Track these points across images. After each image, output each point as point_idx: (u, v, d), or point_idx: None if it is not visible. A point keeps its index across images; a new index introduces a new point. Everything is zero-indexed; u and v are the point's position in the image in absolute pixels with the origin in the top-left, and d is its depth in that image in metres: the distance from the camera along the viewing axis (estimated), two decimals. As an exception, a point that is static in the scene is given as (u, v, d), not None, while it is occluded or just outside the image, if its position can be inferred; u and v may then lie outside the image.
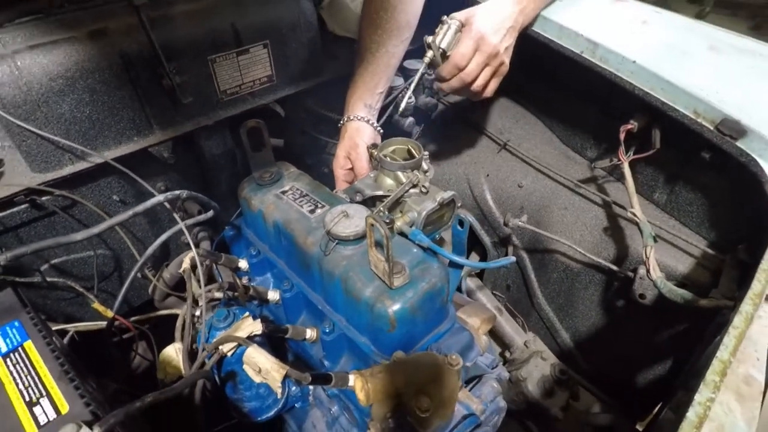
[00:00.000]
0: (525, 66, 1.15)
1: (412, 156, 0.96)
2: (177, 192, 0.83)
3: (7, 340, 0.57)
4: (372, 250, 0.72)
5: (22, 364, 0.55)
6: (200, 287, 0.84)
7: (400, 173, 0.92)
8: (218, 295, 0.91)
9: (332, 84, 1.17)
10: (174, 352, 0.83)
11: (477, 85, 0.99)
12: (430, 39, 0.95)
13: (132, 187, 0.97)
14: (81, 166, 0.86)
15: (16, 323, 0.59)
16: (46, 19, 0.82)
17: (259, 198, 0.94)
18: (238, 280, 0.93)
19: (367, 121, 1.08)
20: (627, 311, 1.04)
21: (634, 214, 0.93)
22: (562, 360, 1.19)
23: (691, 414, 0.49)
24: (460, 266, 0.90)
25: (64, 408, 0.52)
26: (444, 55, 0.97)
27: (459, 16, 0.95)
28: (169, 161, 0.97)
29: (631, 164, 1.05)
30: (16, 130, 0.79)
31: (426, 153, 0.96)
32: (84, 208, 0.91)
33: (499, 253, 1.29)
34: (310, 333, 0.86)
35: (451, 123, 1.42)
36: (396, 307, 0.71)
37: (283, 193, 0.94)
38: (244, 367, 0.75)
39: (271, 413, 0.84)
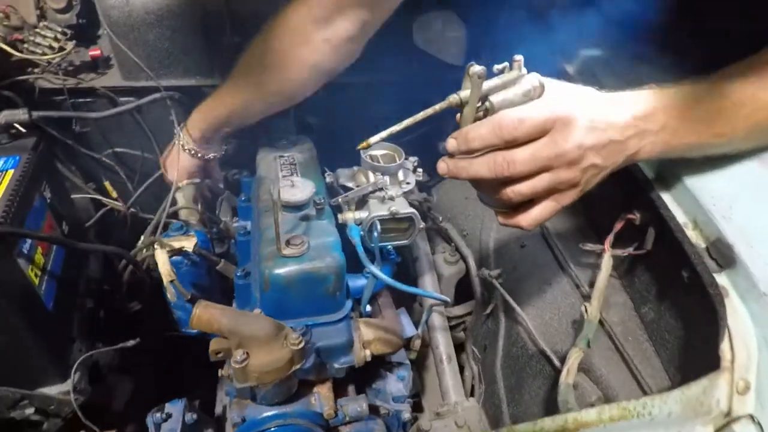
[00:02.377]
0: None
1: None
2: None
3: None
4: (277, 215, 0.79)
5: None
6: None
7: (371, 173, 0.96)
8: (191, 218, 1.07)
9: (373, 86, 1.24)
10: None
11: (518, 190, 0.63)
12: (477, 70, 0.59)
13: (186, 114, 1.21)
14: (149, 83, 1.11)
15: (17, 158, 0.82)
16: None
17: (262, 155, 1.08)
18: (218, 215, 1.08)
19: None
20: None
21: (586, 309, 0.82)
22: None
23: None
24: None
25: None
26: (485, 111, 0.63)
27: (543, 78, 0.63)
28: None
29: (632, 265, 0.92)
30: (115, 43, 1.06)
31: (411, 164, 0.99)
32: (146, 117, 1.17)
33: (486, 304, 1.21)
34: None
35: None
36: (273, 270, 0.77)
37: (281, 157, 1.07)
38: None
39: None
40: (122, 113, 1.07)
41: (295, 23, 0.86)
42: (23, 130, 0.93)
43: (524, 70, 0.62)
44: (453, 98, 0.62)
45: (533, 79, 0.62)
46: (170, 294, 0.84)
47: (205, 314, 0.70)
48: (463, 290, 1.32)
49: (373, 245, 0.95)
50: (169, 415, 0.90)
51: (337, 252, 0.81)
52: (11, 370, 0.77)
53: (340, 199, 0.93)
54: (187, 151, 1.02)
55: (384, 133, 0.66)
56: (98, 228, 1.19)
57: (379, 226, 0.86)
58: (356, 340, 0.84)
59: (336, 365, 0.83)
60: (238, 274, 0.90)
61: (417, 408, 1.25)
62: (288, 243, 0.79)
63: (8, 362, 0.75)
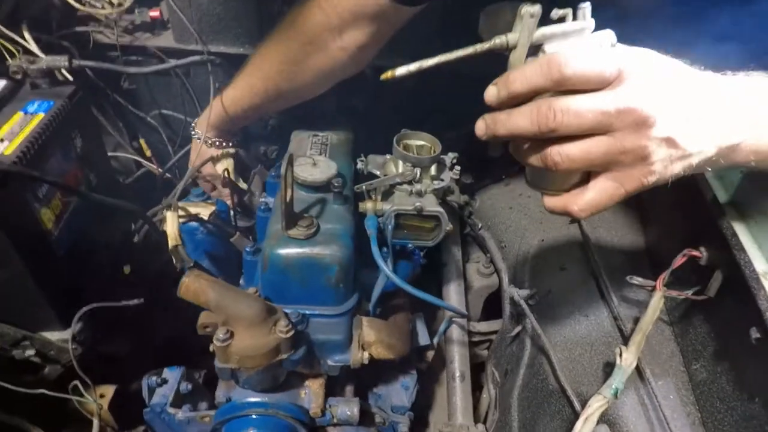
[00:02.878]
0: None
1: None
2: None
3: (33, 106, 0.81)
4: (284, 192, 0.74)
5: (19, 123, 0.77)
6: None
7: (401, 163, 0.89)
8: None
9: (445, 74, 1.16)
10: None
11: (566, 152, 0.48)
12: (530, 9, 0.49)
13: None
14: (198, 47, 1.10)
15: (51, 103, 0.83)
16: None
17: (297, 133, 1.04)
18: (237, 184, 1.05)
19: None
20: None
21: (620, 353, 0.70)
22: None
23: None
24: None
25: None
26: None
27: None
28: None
29: (689, 311, 0.79)
30: (169, 4, 1.06)
31: (449, 160, 0.91)
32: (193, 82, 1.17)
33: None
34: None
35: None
36: (273, 249, 0.72)
37: (314, 136, 1.02)
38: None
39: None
40: (160, 72, 1.07)
41: (311, 30, 0.85)
42: (69, 78, 0.94)
43: (591, 21, 0.50)
44: (499, 40, 0.51)
45: (606, 35, 0.50)
46: (175, 259, 0.82)
47: (194, 284, 0.66)
48: (494, 306, 1.22)
49: (395, 240, 0.88)
50: (165, 381, 0.88)
51: (345, 241, 0.74)
52: (16, 309, 0.78)
53: (364, 186, 0.87)
54: (204, 142, 1.02)
55: (413, 66, 0.56)
56: (138, 189, 1.21)
57: (392, 221, 0.78)
58: (355, 340, 0.78)
59: (330, 362, 0.78)
60: (247, 250, 0.86)
61: (423, 422, 1.17)
62: (296, 223, 0.74)
63: (13, 301, 0.76)
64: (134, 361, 0.98)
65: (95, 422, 0.84)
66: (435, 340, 1.06)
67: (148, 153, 1.18)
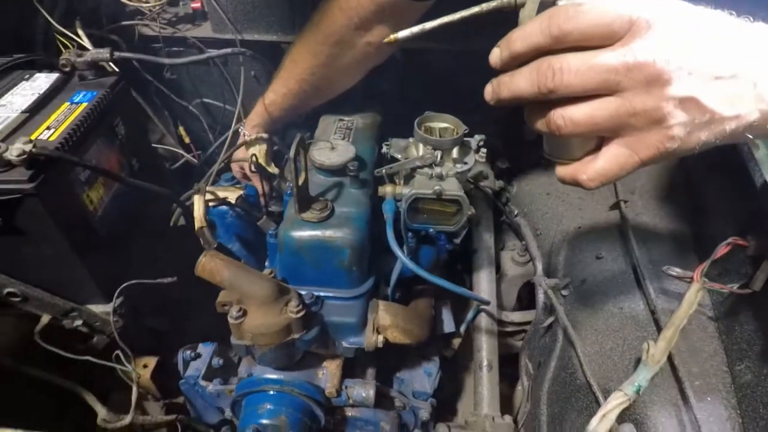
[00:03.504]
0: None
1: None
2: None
3: (79, 96, 0.87)
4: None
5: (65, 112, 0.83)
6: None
7: (421, 146, 0.87)
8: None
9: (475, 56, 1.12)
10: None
11: (569, 115, 0.44)
12: None
13: (266, 71, 1.22)
14: (234, 36, 1.13)
15: (94, 93, 0.89)
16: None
17: (325, 117, 1.05)
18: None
19: None
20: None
21: (648, 348, 0.65)
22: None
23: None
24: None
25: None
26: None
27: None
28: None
29: (736, 307, 0.71)
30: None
31: (474, 143, 0.88)
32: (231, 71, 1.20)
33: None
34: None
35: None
36: (287, 231, 0.74)
37: (340, 120, 1.02)
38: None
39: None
40: (196, 62, 1.11)
41: (336, 31, 0.87)
42: (115, 69, 1.01)
43: None
44: None
45: None
46: (202, 240, 0.86)
47: (210, 264, 0.69)
48: (531, 296, 1.17)
49: (415, 225, 0.87)
50: (198, 355, 0.93)
51: (358, 225, 0.74)
52: (64, 283, 0.85)
53: (384, 170, 0.86)
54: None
55: (416, 29, 0.54)
56: (181, 174, 1.28)
57: (405, 204, 0.77)
58: (370, 323, 0.78)
59: (345, 344, 0.78)
60: (270, 232, 0.88)
61: (451, 410, 1.15)
62: (310, 206, 0.75)
63: (60, 275, 0.83)
64: (176, 337, 1.04)
65: (134, 388, 0.90)
66: (462, 328, 1.04)
67: (187, 140, 1.24)
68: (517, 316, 1.16)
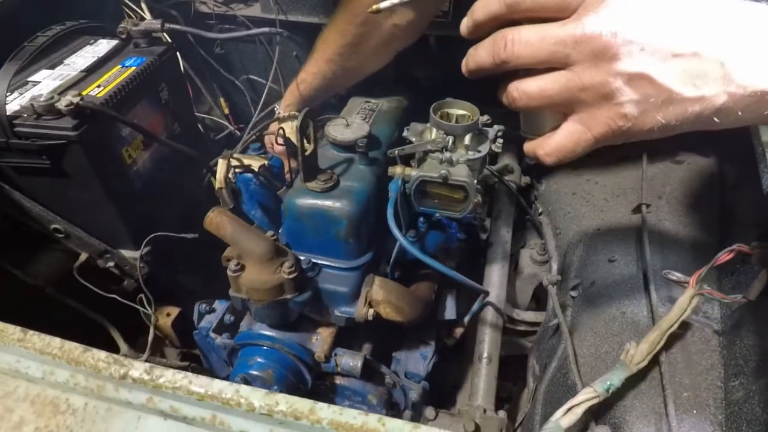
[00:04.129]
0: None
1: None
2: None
3: (130, 61, 0.96)
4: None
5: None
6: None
7: (434, 130, 0.88)
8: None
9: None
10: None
11: (522, 88, 0.45)
12: None
13: (307, 51, 1.27)
14: (279, 17, 1.19)
15: (143, 59, 0.97)
16: None
17: (353, 98, 1.09)
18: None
19: None
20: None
21: (627, 350, 0.63)
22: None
23: None
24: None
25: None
26: None
27: None
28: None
29: (742, 320, 0.67)
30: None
31: (492, 133, 0.88)
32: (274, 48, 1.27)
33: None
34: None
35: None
36: (291, 197, 0.78)
37: (367, 102, 1.05)
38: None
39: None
40: (236, 39, 1.18)
41: (362, 10, 0.88)
42: (168, 39, 1.10)
43: None
44: None
45: None
46: (220, 200, 0.92)
47: (216, 219, 0.75)
48: (546, 296, 1.15)
49: (422, 208, 0.89)
50: (213, 309, 1.00)
51: (358, 198, 0.77)
52: (100, 226, 0.95)
53: (396, 151, 0.88)
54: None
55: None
56: (224, 144, 1.37)
57: (412, 186, 0.79)
58: (362, 295, 0.81)
59: (337, 312, 0.82)
60: (285, 201, 0.93)
61: (450, 401, 1.16)
62: (315, 177, 0.78)
63: (97, 218, 0.93)
64: (206, 296, 1.13)
65: (151, 330, 0.99)
66: (466, 319, 1.04)
67: (226, 111, 1.32)
68: (529, 316, 1.14)
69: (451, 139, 0.85)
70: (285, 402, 0.41)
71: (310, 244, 0.81)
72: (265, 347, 0.81)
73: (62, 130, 0.79)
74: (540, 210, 1.20)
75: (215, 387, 0.42)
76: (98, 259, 0.99)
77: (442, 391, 1.18)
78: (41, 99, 0.79)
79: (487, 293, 0.95)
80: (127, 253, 0.99)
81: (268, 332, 0.82)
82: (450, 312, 1.01)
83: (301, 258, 0.80)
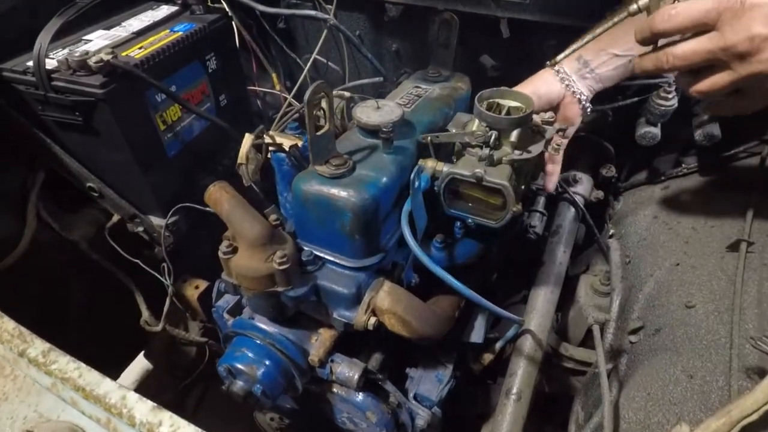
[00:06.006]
0: None
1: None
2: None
3: (180, 26, 0.95)
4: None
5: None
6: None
7: (476, 122, 0.74)
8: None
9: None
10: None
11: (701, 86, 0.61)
12: None
13: (369, 30, 1.18)
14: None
15: (192, 25, 0.95)
16: None
17: (405, 81, 0.98)
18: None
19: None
20: None
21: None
22: None
23: None
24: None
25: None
26: None
27: None
28: (394, 19, 1.11)
29: None
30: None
31: (551, 132, 0.73)
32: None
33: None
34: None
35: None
36: (297, 181, 0.70)
37: (416, 87, 0.94)
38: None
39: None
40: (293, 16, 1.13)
41: None
42: (228, 11, 1.07)
43: None
44: (631, 8, 0.64)
45: None
46: (242, 177, 0.87)
47: (215, 194, 0.69)
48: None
49: (452, 211, 0.76)
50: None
51: (369, 190, 0.67)
52: (129, 190, 0.95)
53: (429, 138, 0.76)
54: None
55: (568, 51, 0.73)
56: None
57: (441, 184, 0.67)
58: (365, 300, 0.71)
59: (335, 315, 0.72)
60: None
61: (473, 430, 1.02)
62: (328, 161, 0.70)
63: (126, 182, 0.93)
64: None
65: (167, 300, 0.98)
66: (498, 345, 0.90)
67: (278, 87, 1.27)
68: (579, 353, 0.96)
69: (494, 133, 0.71)
70: (170, 424, 0.33)
71: (315, 234, 0.72)
72: (257, 340, 0.75)
73: (91, 87, 0.78)
74: (611, 232, 1.00)
75: (102, 388, 0.35)
76: (129, 222, 1.00)
77: (465, 416, 1.04)
78: (76, 54, 0.79)
79: (520, 323, 0.80)
80: (156, 221, 0.98)
81: (262, 324, 0.76)
82: (477, 335, 0.87)
83: (305, 249, 0.72)
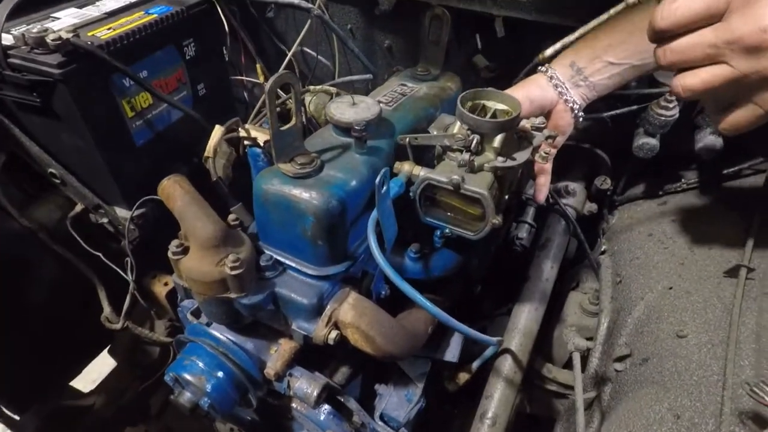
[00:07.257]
0: None
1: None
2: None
3: (156, 9, 0.89)
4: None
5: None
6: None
7: (458, 124, 0.68)
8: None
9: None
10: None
11: (688, 85, 0.53)
12: None
13: (361, 24, 1.13)
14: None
15: (170, 9, 0.90)
16: None
17: (392, 78, 0.92)
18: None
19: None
20: None
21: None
22: None
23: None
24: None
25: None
26: None
27: None
28: (386, 14, 1.05)
29: None
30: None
31: (540, 138, 0.67)
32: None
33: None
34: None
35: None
36: (258, 179, 0.64)
37: (402, 86, 0.88)
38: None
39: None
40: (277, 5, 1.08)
41: None
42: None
43: None
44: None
45: None
46: (210, 171, 0.82)
47: (169, 188, 0.64)
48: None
49: (428, 219, 0.71)
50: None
51: (334, 192, 0.61)
52: (92, 179, 0.89)
53: (408, 140, 0.70)
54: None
55: (558, 45, 0.71)
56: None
57: (416, 189, 0.62)
58: (327, 313, 0.65)
59: (294, 326, 0.67)
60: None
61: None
62: (293, 159, 0.64)
63: (90, 169, 0.87)
64: None
65: (128, 297, 0.92)
66: (474, 365, 0.84)
67: (262, 79, 1.22)
68: (564, 375, 0.90)
69: (476, 137, 0.65)
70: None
71: (277, 238, 0.67)
72: (209, 349, 0.69)
73: (47, 66, 0.73)
74: (604, 248, 0.94)
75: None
76: (92, 212, 0.94)
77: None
78: (34, 31, 0.73)
79: (497, 344, 0.74)
80: (122, 212, 0.93)
81: (216, 332, 0.70)
82: (452, 353, 0.81)
83: (265, 253, 0.67)
